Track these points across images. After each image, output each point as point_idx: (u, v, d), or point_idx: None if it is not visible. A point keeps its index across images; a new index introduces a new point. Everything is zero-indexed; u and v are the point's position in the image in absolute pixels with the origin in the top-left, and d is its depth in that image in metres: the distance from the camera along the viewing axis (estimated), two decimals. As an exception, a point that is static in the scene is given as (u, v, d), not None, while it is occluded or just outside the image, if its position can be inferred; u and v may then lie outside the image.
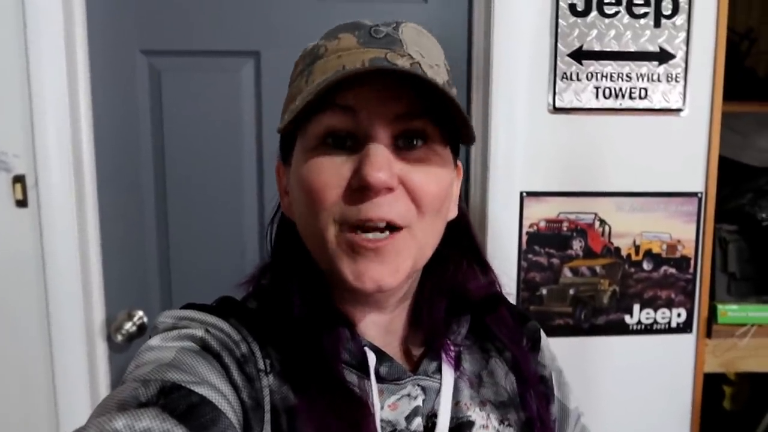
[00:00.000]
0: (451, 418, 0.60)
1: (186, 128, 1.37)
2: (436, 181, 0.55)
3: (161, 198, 1.39)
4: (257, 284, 0.64)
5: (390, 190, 0.52)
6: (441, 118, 0.55)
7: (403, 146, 0.54)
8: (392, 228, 0.53)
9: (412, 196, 0.54)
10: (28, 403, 1.35)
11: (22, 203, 1.29)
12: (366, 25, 0.56)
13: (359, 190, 0.52)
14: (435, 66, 0.56)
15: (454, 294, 0.65)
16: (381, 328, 0.62)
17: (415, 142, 0.54)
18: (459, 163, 0.63)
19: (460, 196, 0.64)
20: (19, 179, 1.28)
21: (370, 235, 0.52)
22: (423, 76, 0.51)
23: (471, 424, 0.61)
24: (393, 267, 0.53)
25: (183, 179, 1.39)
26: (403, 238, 0.54)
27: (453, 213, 0.62)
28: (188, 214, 1.40)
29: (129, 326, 1.38)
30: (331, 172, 0.53)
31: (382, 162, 0.51)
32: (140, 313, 1.41)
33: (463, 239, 0.66)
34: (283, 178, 0.63)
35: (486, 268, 0.68)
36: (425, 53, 0.56)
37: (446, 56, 0.60)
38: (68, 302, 1.33)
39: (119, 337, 1.38)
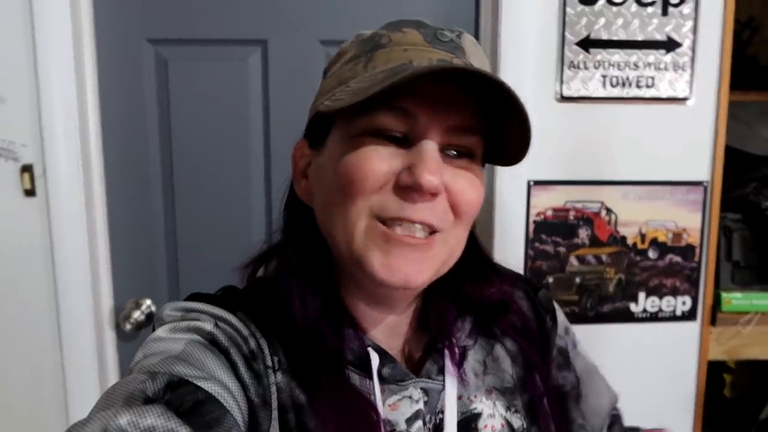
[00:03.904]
0: (456, 413, 0.60)
1: (193, 117, 1.37)
2: (476, 190, 0.55)
3: (168, 187, 1.39)
4: (253, 274, 0.63)
5: (435, 195, 0.52)
6: (490, 134, 0.55)
7: (448, 154, 0.54)
8: (428, 230, 0.53)
9: (452, 203, 0.54)
10: (38, 392, 1.36)
11: (30, 193, 1.29)
12: (430, 26, 0.56)
13: (406, 188, 0.51)
14: None
15: (460, 298, 0.65)
16: (388, 328, 0.61)
17: (459, 154, 0.55)
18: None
19: None
20: (27, 169, 1.28)
21: (407, 231, 0.52)
22: (502, 82, 0.49)
23: (477, 416, 0.61)
24: (424, 267, 0.54)
25: (190, 168, 1.39)
26: (438, 242, 0.54)
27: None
28: (196, 203, 1.40)
29: (137, 315, 1.39)
30: (381, 161, 0.52)
31: (437, 166, 0.51)
32: (148, 301, 1.41)
33: (472, 250, 0.64)
34: (301, 161, 0.61)
35: (497, 276, 0.67)
36: (482, 67, 0.56)
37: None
38: (77, 291, 1.33)
39: (128, 326, 1.38)
